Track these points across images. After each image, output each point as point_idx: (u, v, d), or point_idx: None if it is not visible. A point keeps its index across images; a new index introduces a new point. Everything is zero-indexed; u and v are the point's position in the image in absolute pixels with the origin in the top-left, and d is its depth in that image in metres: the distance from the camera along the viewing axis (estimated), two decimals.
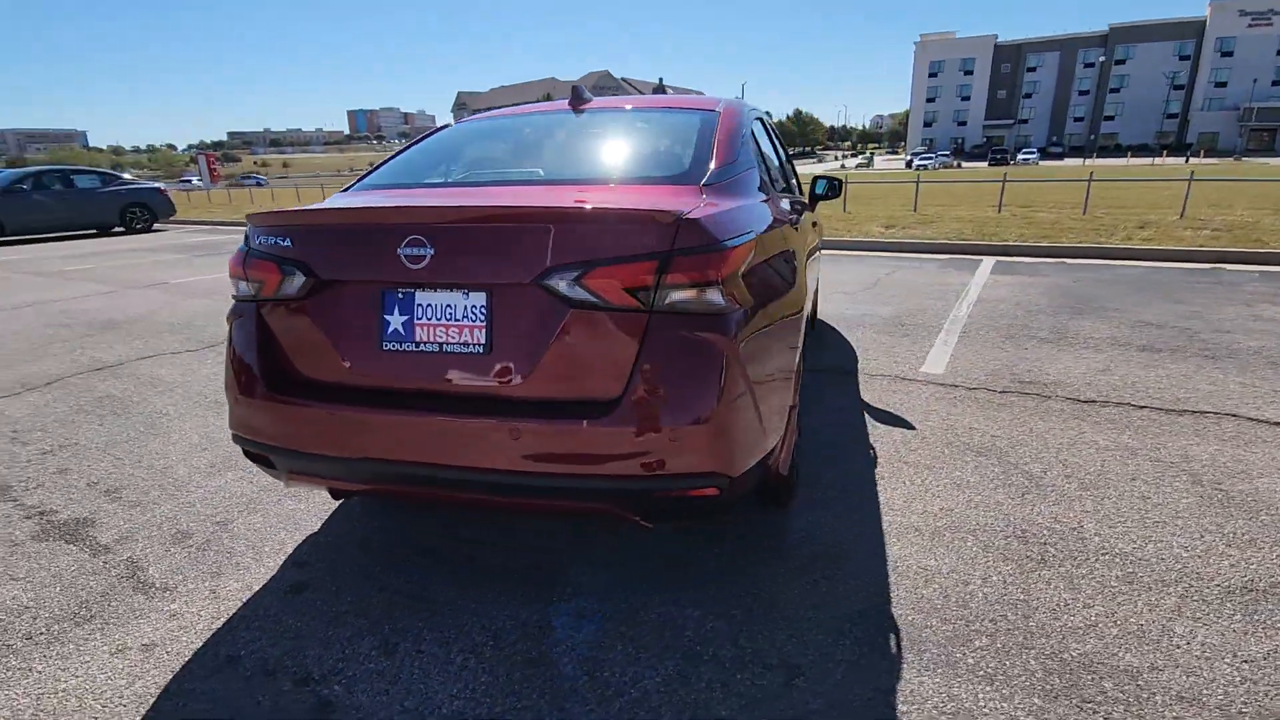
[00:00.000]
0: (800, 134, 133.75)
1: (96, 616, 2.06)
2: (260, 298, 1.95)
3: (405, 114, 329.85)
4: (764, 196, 2.35)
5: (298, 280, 1.85)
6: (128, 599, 2.14)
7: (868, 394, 3.79)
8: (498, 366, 1.74)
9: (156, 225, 16.93)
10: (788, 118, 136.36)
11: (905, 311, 5.76)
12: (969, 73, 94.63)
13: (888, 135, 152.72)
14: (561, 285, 1.66)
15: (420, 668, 1.82)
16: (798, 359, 2.22)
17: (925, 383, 3.94)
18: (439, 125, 2.79)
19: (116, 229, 15.58)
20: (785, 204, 2.91)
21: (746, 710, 1.65)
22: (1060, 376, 3.96)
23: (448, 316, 1.77)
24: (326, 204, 2.13)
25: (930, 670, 1.75)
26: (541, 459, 1.70)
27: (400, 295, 1.80)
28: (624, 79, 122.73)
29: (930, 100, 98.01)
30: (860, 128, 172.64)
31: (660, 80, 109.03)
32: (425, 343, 1.79)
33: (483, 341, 1.75)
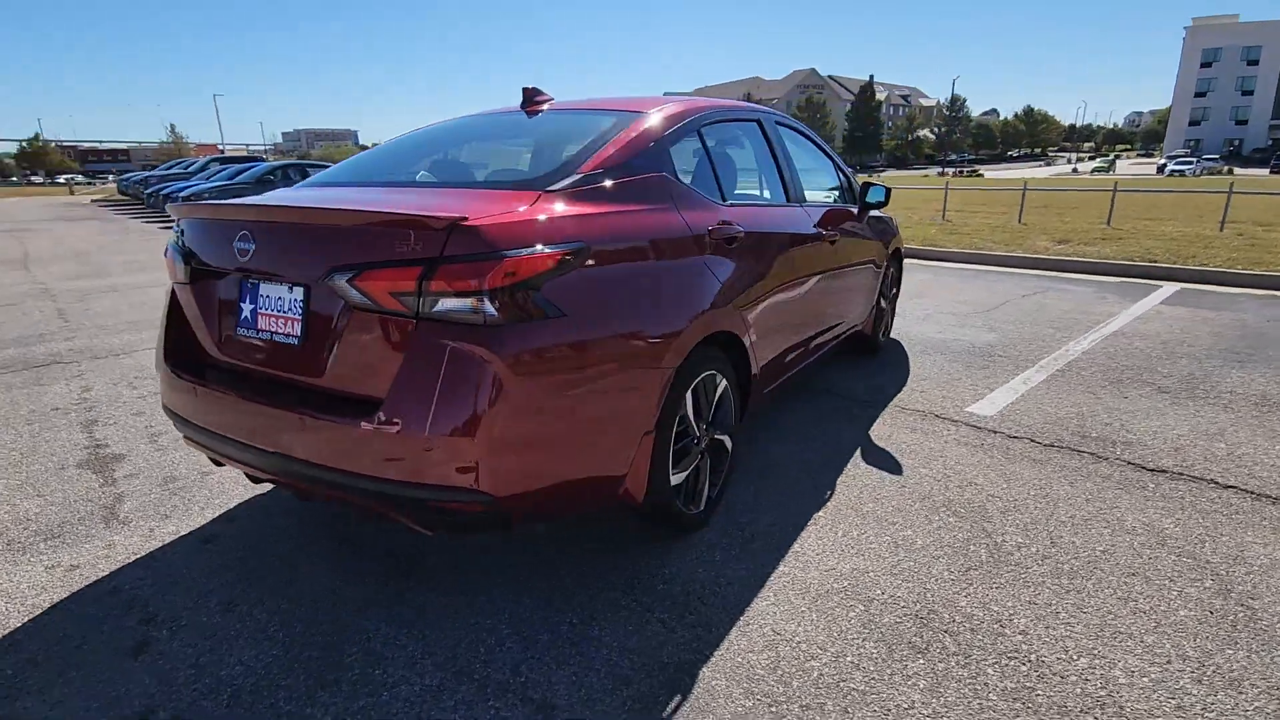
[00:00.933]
0: (1029, 133, 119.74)
1: (61, 536, 2.48)
2: (173, 280, 2.22)
3: None
4: (666, 206, 2.19)
5: (183, 266, 2.09)
6: (92, 527, 2.54)
7: (880, 429, 3.37)
8: (305, 359, 1.83)
9: None
10: (1015, 115, 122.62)
11: (1007, 340, 5.00)
12: (1254, 63, 78.36)
13: (1142, 135, 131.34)
14: (341, 286, 1.70)
15: (236, 630, 1.96)
16: (668, 378, 2.04)
17: (960, 424, 3.41)
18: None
19: None
20: (750, 215, 2.65)
21: None
22: (1142, 436, 3.22)
23: (277, 308, 1.89)
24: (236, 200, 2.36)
25: None
26: (326, 453, 1.76)
27: (250, 285, 1.95)
28: (830, 76, 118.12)
29: (1200, 95, 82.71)
30: (1110, 125, 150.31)
31: (871, 78, 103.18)
32: (263, 330, 1.92)
33: (298, 334, 1.84)
